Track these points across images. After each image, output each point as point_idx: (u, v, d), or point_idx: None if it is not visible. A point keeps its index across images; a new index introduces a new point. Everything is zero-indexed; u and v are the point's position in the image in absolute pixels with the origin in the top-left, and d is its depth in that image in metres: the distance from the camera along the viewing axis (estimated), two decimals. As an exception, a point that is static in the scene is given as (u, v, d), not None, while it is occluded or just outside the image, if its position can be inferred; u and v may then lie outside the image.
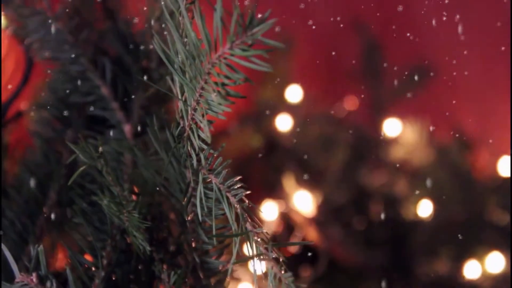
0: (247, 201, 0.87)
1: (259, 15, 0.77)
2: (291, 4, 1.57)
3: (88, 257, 0.98)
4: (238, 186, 0.88)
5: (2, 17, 1.17)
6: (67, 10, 1.14)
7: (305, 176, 1.64)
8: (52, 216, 1.10)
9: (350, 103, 1.83)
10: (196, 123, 0.89)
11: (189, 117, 0.89)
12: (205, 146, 0.89)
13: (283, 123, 1.72)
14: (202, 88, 0.84)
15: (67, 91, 1.14)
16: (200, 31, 0.81)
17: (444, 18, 1.55)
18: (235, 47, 0.78)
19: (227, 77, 0.81)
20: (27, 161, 1.14)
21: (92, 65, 1.12)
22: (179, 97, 0.90)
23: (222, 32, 0.79)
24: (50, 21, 1.12)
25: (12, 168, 1.17)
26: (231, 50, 0.79)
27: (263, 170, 1.67)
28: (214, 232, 0.93)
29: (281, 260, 0.84)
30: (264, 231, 0.86)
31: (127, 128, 1.11)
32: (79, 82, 1.13)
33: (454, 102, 1.68)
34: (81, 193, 1.04)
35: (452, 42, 1.66)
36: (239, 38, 0.77)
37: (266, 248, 0.84)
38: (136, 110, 1.12)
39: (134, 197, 0.99)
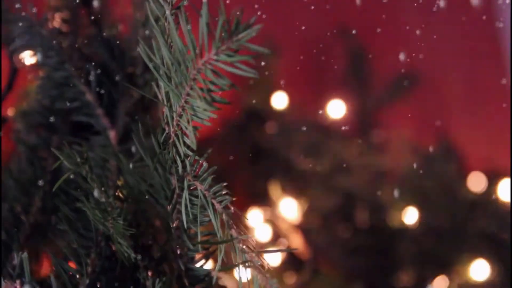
0: (232, 208, 0.87)
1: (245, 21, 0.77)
2: (277, 11, 1.57)
3: (72, 264, 0.97)
4: (224, 192, 0.88)
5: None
6: (52, 16, 1.14)
7: (291, 183, 1.64)
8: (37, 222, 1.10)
9: (336, 110, 1.83)
10: (181, 129, 0.88)
11: (175, 123, 0.88)
12: (190, 153, 0.89)
13: (269, 129, 1.72)
14: (188, 94, 0.84)
15: (52, 97, 1.13)
16: (186, 37, 0.81)
17: (432, 25, 1.56)
18: (221, 53, 0.78)
19: (212, 83, 0.80)
20: (11, 168, 1.13)
21: (77, 71, 1.12)
22: (165, 103, 0.89)
23: (208, 38, 0.78)
24: (35, 27, 1.12)
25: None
26: (217, 56, 0.78)
27: (248, 177, 1.67)
28: (199, 239, 0.92)
29: (266, 267, 0.84)
30: (250, 238, 0.86)
31: (112, 134, 1.10)
32: (64, 89, 1.12)
33: (434, 111, 1.69)
34: (65, 199, 1.03)
35: (438, 50, 1.67)
36: (225, 44, 0.77)
37: (251, 255, 0.84)
38: (121, 116, 1.11)
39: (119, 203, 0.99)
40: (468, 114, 1.87)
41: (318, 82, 1.88)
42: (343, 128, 1.79)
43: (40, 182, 1.10)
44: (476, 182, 1.73)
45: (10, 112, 1.21)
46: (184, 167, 0.90)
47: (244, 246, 0.85)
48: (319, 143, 1.72)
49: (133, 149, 1.06)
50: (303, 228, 1.62)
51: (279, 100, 1.76)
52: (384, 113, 1.85)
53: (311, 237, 1.62)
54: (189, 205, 0.90)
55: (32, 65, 1.15)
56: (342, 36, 1.83)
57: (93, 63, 1.13)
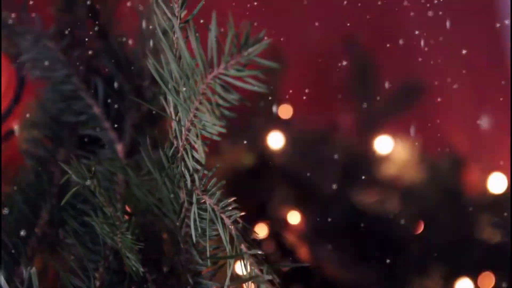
0: (241, 222, 0.87)
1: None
2: (282, 22, 1.57)
3: (80, 279, 0.97)
4: (233, 207, 0.87)
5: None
6: (58, 29, 1.14)
7: (297, 194, 1.64)
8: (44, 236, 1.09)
9: (341, 121, 1.83)
10: (190, 144, 0.88)
11: (183, 137, 0.88)
12: (199, 167, 0.89)
13: (275, 140, 1.71)
14: (197, 109, 0.84)
15: (59, 110, 1.13)
16: (195, 51, 0.80)
17: (436, 34, 1.56)
18: (230, 67, 0.78)
19: (222, 98, 0.80)
20: (18, 181, 1.13)
21: (84, 84, 1.12)
22: (173, 117, 0.89)
23: (217, 52, 0.78)
24: (42, 40, 1.12)
25: (3, 188, 1.16)
26: (226, 71, 0.78)
27: (254, 189, 1.67)
28: (208, 254, 0.92)
29: (276, 282, 0.83)
30: (259, 252, 0.85)
31: (119, 147, 1.10)
32: (71, 101, 1.13)
33: (438, 120, 1.69)
34: (73, 213, 1.03)
35: (443, 59, 1.67)
36: (234, 58, 0.77)
37: (261, 270, 0.84)
38: (128, 129, 1.11)
39: (127, 217, 0.98)
40: (473, 122, 1.87)
41: (323, 92, 1.88)
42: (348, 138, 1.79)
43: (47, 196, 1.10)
44: (482, 191, 1.73)
45: (17, 124, 1.21)
46: (193, 181, 0.90)
47: (254, 261, 0.85)
48: (325, 153, 1.72)
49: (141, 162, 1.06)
50: (309, 239, 1.62)
51: (285, 111, 1.76)
52: (389, 122, 1.84)
53: (318, 248, 1.62)
54: (197, 219, 0.90)
55: (39, 78, 1.15)
56: (347, 46, 1.83)
57: (100, 76, 1.13)
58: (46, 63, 1.13)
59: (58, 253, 1.05)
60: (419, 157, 1.76)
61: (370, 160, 1.76)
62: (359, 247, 1.65)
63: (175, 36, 0.87)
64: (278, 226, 1.62)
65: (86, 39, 1.17)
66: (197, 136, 0.86)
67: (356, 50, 1.83)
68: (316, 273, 1.59)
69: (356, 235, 1.67)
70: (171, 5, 0.88)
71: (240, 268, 0.87)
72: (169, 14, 0.88)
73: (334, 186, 1.67)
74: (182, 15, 0.88)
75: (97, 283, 0.96)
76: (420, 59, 1.66)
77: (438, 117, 1.72)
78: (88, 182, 0.92)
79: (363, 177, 1.71)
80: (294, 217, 1.64)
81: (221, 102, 0.81)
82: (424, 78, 1.75)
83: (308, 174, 1.67)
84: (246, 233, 0.87)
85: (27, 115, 1.19)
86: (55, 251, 1.08)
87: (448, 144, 1.75)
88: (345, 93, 1.85)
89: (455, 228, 1.68)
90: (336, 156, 1.70)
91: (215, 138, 0.85)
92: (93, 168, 0.92)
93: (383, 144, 1.78)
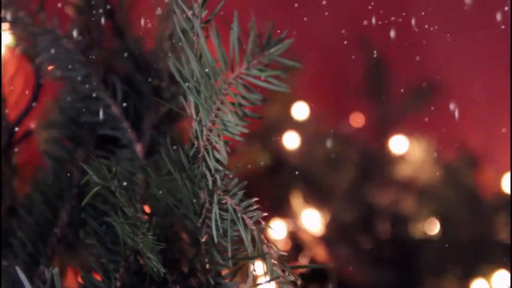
0: (263, 223, 0.86)
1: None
2: (296, 21, 1.56)
3: (100, 278, 0.97)
4: (255, 207, 0.87)
5: (11, 36, 1.17)
6: (77, 29, 1.13)
7: (313, 194, 1.63)
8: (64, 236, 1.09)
9: (356, 121, 1.83)
10: (211, 144, 0.88)
11: (204, 138, 0.88)
12: (220, 167, 0.88)
13: (290, 140, 1.71)
14: (218, 109, 0.83)
15: (78, 110, 1.13)
16: (217, 51, 0.80)
17: (449, 35, 1.55)
18: (252, 67, 0.77)
19: (244, 98, 0.80)
20: (37, 181, 1.13)
21: (102, 84, 1.11)
22: (194, 117, 0.89)
23: (239, 52, 0.78)
24: (60, 40, 1.12)
25: (23, 188, 1.16)
26: (248, 70, 0.78)
27: (270, 188, 1.66)
28: (229, 254, 0.91)
29: (298, 283, 0.83)
30: (281, 253, 0.85)
31: (138, 147, 1.10)
32: (89, 102, 1.12)
33: (454, 120, 1.68)
34: (93, 213, 1.02)
35: (457, 59, 1.66)
36: (256, 58, 0.77)
37: (283, 271, 0.83)
38: (147, 129, 1.11)
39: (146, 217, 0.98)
40: (488, 122, 1.87)
41: (338, 92, 1.88)
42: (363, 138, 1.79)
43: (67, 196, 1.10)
44: (497, 191, 1.72)
45: (35, 125, 1.20)
46: (214, 181, 0.89)
47: (276, 262, 0.84)
48: (340, 153, 1.72)
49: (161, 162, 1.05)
50: (326, 239, 1.62)
51: (300, 111, 1.76)
52: (404, 123, 1.84)
53: (334, 249, 1.62)
54: (219, 220, 0.90)
55: (57, 78, 1.15)
56: (362, 46, 1.83)
57: (118, 76, 1.12)
58: (64, 63, 1.12)
59: (78, 253, 1.05)
60: (434, 157, 1.76)
61: (386, 160, 1.76)
62: (375, 247, 1.65)
63: (196, 35, 0.87)
64: (294, 225, 1.62)
65: (104, 39, 1.16)
66: (218, 136, 0.86)
67: (371, 50, 1.83)
68: (332, 272, 1.59)
69: (372, 235, 1.66)
70: (190, 5, 0.88)
71: (261, 269, 0.87)
72: (189, 14, 0.88)
73: (350, 187, 1.67)
74: (203, 15, 0.87)
75: (118, 284, 0.96)
76: (435, 59, 1.66)
77: (453, 117, 1.71)
78: (109, 182, 0.91)
79: (379, 177, 1.71)
80: (310, 217, 1.63)
81: (243, 102, 0.80)
82: (439, 78, 1.75)
83: (323, 174, 1.68)
84: (265, 233, 0.87)
85: (45, 116, 1.19)
86: (75, 251, 1.08)
87: (463, 145, 1.75)
88: (360, 92, 1.85)
89: (471, 228, 1.67)
90: (352, 156, 1.70)
91: (237, 138, 0.84)
92: (113, 168, 0.92)
93: (399, 144, 1.78)
